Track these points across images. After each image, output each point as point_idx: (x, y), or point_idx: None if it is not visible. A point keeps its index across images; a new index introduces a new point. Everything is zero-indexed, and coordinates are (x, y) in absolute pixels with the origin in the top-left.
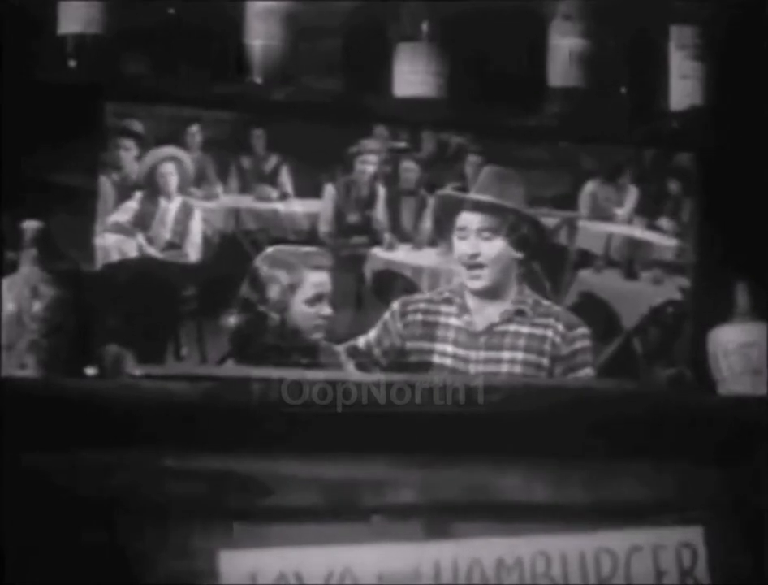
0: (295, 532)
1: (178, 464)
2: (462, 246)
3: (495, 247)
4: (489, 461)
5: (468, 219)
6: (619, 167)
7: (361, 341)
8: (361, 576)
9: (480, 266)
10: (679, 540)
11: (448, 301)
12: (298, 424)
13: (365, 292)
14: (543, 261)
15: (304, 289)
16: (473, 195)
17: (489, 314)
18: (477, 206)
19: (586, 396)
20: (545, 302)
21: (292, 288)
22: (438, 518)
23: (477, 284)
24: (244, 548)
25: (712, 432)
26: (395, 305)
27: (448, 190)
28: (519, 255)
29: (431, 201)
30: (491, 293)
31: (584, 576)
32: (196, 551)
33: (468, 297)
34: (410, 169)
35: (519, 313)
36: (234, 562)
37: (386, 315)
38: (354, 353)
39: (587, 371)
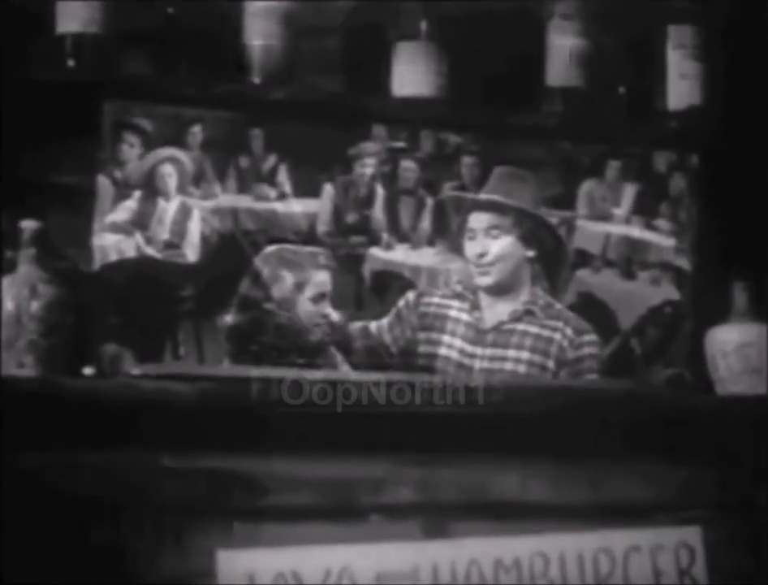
0: (293, 532)
1: (176, 463)
2: (471, 246)
3: (502, 245)
4: (488, 461)
5: (477, 219)
6: (616, 167)
7: (373, 325)
8: (359, 575)
9: (488, 264)
10: (677, 540)
11: (461, 297)
12: (296, 424)
13: (364, 291)
14: (542, 261)
15: (310, 288)
16: (480, 195)
17: (499, 311)
18: (484, 206)
19: (584, 397)
20: (558, 306)
21: (299, 286)
22: (437, 518)
23: (485, 281)
24: (242, 547)
25: (710, 432)
26: (410, 294)
27: (456, 191)
28: (531, 253)
29: (429, 201)
30: (501, 291)
31: (582, 576)
32: (193, 550)
33: (480, 295)
34: (409, 169)
35: (529, 313)
36: (231, 562)
37: (401, 303)
38: (365, 334)
39: (592, 378)
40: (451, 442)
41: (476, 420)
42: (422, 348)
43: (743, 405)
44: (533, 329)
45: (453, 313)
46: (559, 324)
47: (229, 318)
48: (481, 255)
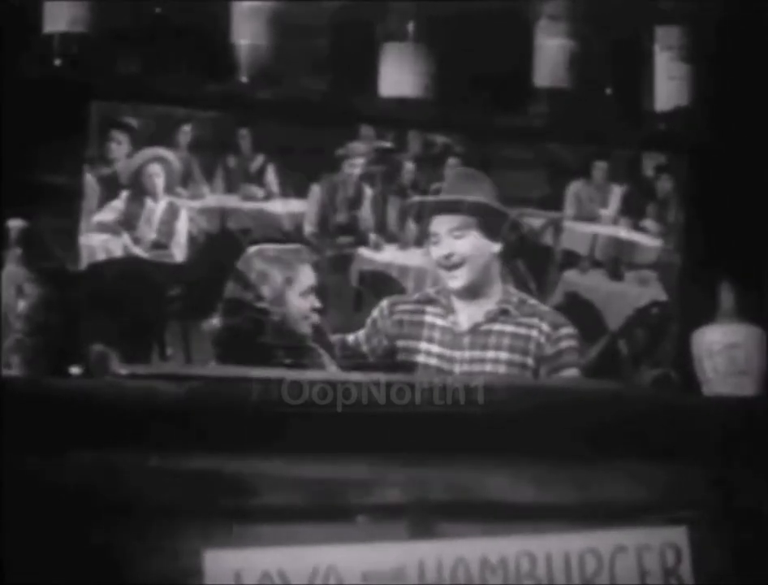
0: (279, 532)
1: (162, 464)
2: (436, 250)
3: (468, 243)
4: (475, 460)
5: (438, 223)
6: (603, 168)
7: (350, 337)
8: (346, 575)
9: (456, 265)
10: (663, 540)
11: (434, 302)
12: (282, 424)
13: (351, 292)
14: (527, 260)
15: (300, 283)
16: (435, 197)
17: (473, 313)
18: (443, 207)
19: (572, 397)
20: (531, 301)
21: (289, 281)
22: (423, 518)
23: (457, 284)
24: (229, 547)
25: (697, 433)
26: (384, 303)
27: (416, 197)
28: (496, 248)
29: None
30: (473, 292)
31: (568, 576)
32: (180, 550)
33: (453, 298)
34: (409, 170)
35: (504, 312)
36: (218, 561)
37: (375, 313)
38: (343, 346)
39: (573, 372)
40: (437, 442)
41: (464, 420)
42: (401, 357)
43: (729, 405)
44: (509, 328)
45: (428, 318)
46: (535, 320)
47: (215, 322)
48: (448, 256)
